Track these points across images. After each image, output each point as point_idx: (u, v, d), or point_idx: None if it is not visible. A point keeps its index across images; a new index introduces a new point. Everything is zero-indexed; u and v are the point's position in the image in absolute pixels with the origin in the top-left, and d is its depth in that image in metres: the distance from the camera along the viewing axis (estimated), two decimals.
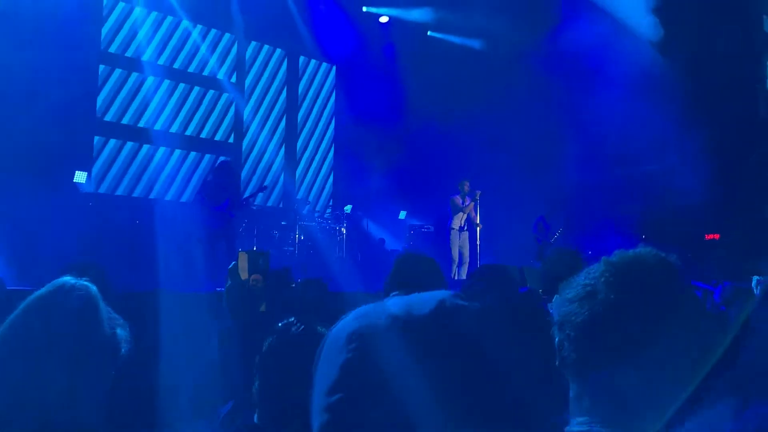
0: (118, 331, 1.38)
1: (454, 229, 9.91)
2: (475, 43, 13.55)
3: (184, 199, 11.05)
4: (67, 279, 1.38)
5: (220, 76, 11.86)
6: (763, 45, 10.55)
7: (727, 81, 10.02)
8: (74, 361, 1.28)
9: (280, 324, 1.50)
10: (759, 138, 10.37)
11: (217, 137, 11.71)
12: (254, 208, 9.88)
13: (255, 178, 11.99)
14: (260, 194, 8.64)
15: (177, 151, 11.16)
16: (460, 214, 9.85)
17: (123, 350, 1.38)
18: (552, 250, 3.22)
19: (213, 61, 11.76)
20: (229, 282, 1.48)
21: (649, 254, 1.11)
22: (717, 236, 10.40)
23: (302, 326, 1.41)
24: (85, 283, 1.38)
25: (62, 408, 1.25)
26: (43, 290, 1.35)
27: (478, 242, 9.78)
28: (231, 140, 11.92)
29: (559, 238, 10.60)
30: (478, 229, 9.86)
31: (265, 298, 1.53)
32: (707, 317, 1.05)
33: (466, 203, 9.84)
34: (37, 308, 1.32)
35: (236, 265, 1.50)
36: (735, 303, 3.89)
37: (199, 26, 11.58)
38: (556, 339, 1.10)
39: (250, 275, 1.49)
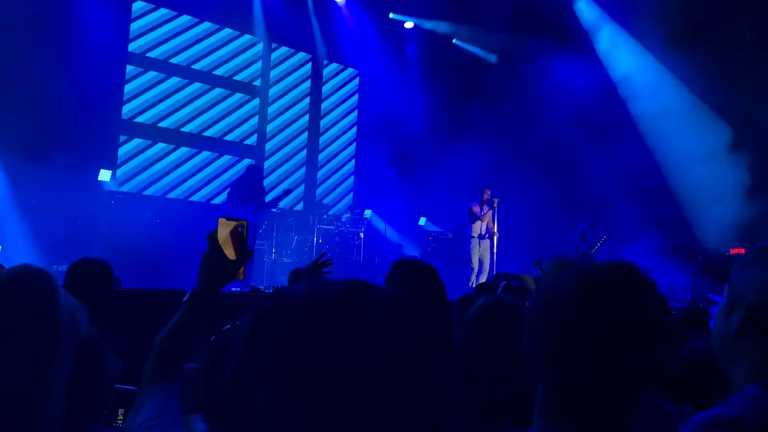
0: (77, 315, 1.35)
1: (473, 237, 9.87)
2: (492, 57, 13.61)
3: (205, 200, 11.18)
4: (24, 266, 1.34)
5: (245, 78, 11.99)
6: None
7: (751, 87, 9.85)
8: (33, 350, 1.25)
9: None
10: None
11: (240, 139, 11.83)
12: (276, 211, 9.95)
13: (276, 181, 12.07)
14: (285, 198, 8.70)
15: (200, 152, 11.30)
16: (479, 222, 9.81)
17: (82, 334, 1.36)
18: (551, 259, 3.11)
19: (237, 63, 11.90)
20: (208, 248, 1.47)
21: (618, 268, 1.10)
22: (743, 250, 10.18)
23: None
24: (42, 269, 1.34)
25: (22, 399, 1.22)
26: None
27: (494, 251, 9.72)
28: (254, 143, 12.03)
29: (602, 247, 10.33)
30: (495, 237, 9.80)
31: (244, 267, 1.50)
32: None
33: (484, 211, 9.80)
34: None
35: (215, 232, 1.47)
36: None
37: (225, 29, 11.72)
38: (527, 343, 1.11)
39: (229, 241, 1.48)
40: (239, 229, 1.50)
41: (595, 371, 0.99)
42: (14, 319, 1.26)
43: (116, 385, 1.63)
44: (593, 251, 10.27)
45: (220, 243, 1.47)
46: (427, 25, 13.45)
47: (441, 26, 13.50)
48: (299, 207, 12.34)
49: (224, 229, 1.48)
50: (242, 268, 1.50)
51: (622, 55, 11.62)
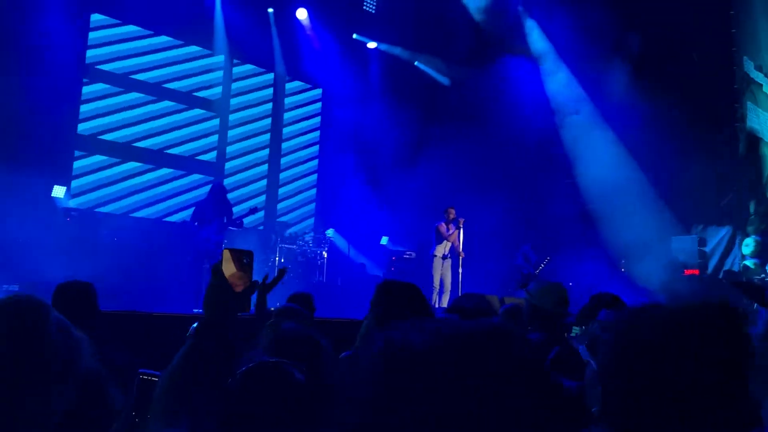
0: (76, 347, 1.29)
1: (437, 256, 9.87)
2: (446, 80, 13.86)
3: (164, 217, 10.91)
4: (16, 296, 1.29)
5: (205, 95, 11.81)
6: (742, 84, 10.80)
7: (707, 119, 10.22)
8: (18, 383, 1.19)
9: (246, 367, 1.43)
10: (738, 175, 10.58)
11: (200, 156, 11.62)
12: (236, 229, 9.77)
13: (237, 199, 11.88)
14: (250, 216, 8.57)
15: (159, 169, 11.05)
16: (445, 242, 9.83)
17: (82, 366, 1.29)
18: (536, 283, 3.18)
19: (198, 80, 11.73)
20: (212, 280, 1.41)
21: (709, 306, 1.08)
22: (696, 272, 10.50)
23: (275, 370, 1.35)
24: (36, 299, 1.29)
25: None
26: None
27: (460, 270, 9.74)
28: (214, 159, 11.83)
29: (545, 269, 10.61)
30: (460, 257, 9.83)
31: (250, 299, 1.46)
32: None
33: (451, 231, 9.83)
34: None
35: (220, 263, 1.42)
36: None
37: (186, 45, 11.56)
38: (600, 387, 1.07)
39: (235, 274, 1.43)
40: (245, 260, 1.46)
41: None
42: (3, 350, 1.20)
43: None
44: (537, 271, 10.56)
45: (225, 274, 1.43)
46: (386, 48, 13.58)
47: (401, 52, 13.68)
48: (260, 226, 12.16)
49: (229, 260, 1.45)
50: (249, 300, 1.47)
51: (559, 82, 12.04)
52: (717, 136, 10.31)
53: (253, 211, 8.44)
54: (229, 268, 1.43)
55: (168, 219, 10.90)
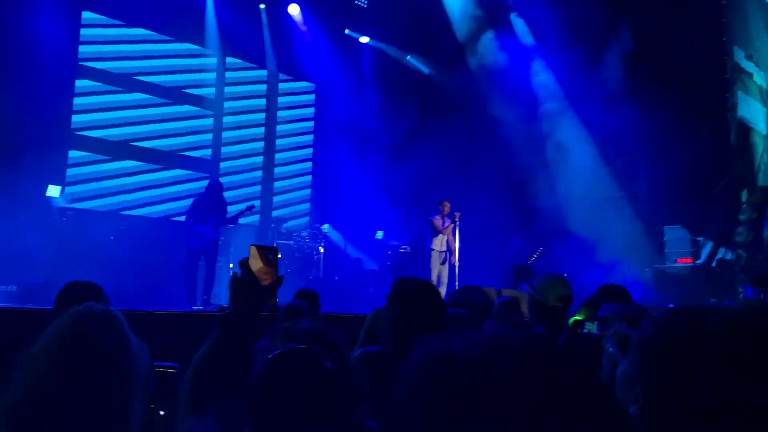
0: (140, 351, 1.36)
1: (434, 250, 9.90)
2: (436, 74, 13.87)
3: (160, 215, 10.90)
4: (93, 306, 1.35)
5: (198, 92, 11.80)
6: (733, 74, 10.86)
7: (698, 109, 10.28)
8: (111, 391, 1.25)
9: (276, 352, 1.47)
10: (730, 164, 10.65)
11: (194, 154, 11.61)
12: (233, 226, 9.80)
13: (232, 196, 11.88)
14: (247, 214, 8.59)
15: (154, 167, 11.03)
16: (441, 235, 9.85)
17: (146, 368, 1.38)
18: (540, 278, 3.20)
19: (191, 77, 11.71)
20: (239, 274, 1.46)
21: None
22: (690, 260, 10.57)
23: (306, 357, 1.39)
24: (108, 309, 1.35)
25: None
26: (68, 319, 1.30)
27: (457, 264, 9.77)
28: (209, 156, 11.83)
29: (537, 260, 10.62)
30: (455, 252, 9.85)
31: (276, 293, 1.53)
32: None
33: (446, 224, 9.86)
34: (65, 339, 1.27)
35: (247, 259, 1.50)
36: None
37: (178, 42, 11.53)
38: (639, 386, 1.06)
39: (262, 269, 1.49)
40: (270, 256, 1.54)
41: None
42: (90, 361, 1.26)
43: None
44: (529, 262, 10.57)
45: (252, 269, 1.50)
46: (378, 42, 13.58)
47: (393, 46, 13.69)
48: (256, 223, 12.17)
49: (256, 255, 1.53)
50: (274, 294, 1.54)
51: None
52: (708, 126, 10.36)
53: (250, 209, 8.45)
54: (255, 263, 1.51)
55: (163, 217, 10.90)
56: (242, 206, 8.63)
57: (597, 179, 11.44)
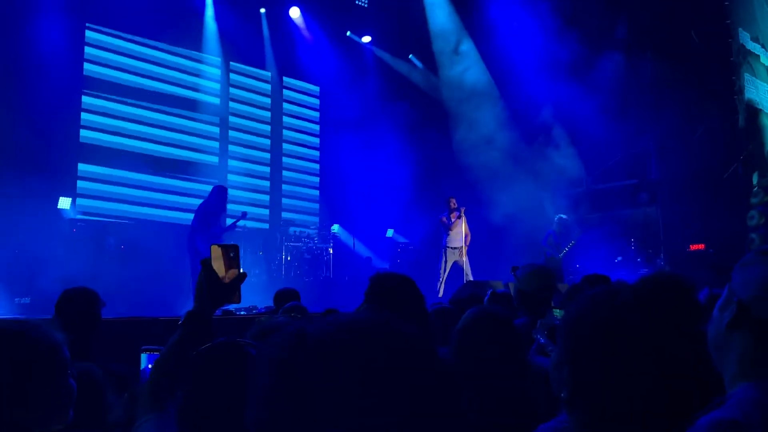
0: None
1: (448, 247, 9.90)
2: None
3: (169, 222, 10.99)
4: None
5: (203, 98, 11.88)
6: (739, 56, 10.74)
7: (704, 92, 10.19)
8: None
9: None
10: (738, 147, 10.53)
11: (202, 160, 11.70)
12: (241, 230, 9.86)
13: (240, 200, 11.95)
14: (242, 220, 8.64)
15: (161, 175, 11.13)
16: (452, 231, 9.87)
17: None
18: (523, 267, 3.20)
19: (195, 84, 11.79)
20: (201, 273, 1.48)
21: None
22: (702, 246, 10.48)
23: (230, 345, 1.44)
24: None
25: None
26: None
27: (465, 259, 9.78)
28: (216, 162, 11.91)
29: (570, 253, 10.43)
30: (465, 246, 9.85)
31: (239, 289, 1.56)
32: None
33: (453, 220, 9.87)
34: None
35: (209, 259, 1.52)
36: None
37: (181, 49, 11.62)
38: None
39: (223, 268, 1.52)
40: (231, 254, 1.56)
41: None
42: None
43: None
44: (560, 255, 10.39)
45: (214, 268, 1.53)
46: (380, 41, 13.58)
47: (395, 45, 13.67)
48: (265, 225, 12.24)
49: (217, 254, 1.55)
50: (238, 292, 1.55)
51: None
52: (715, 110, 10.26)
53: (243, 215, 8.52)
54: (217, 261, 1.54)
55: (172, 223, 10.99)
56: (238, 214, 8.70)
57: (606, 168, 11.36)
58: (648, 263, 10.42)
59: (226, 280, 1.53)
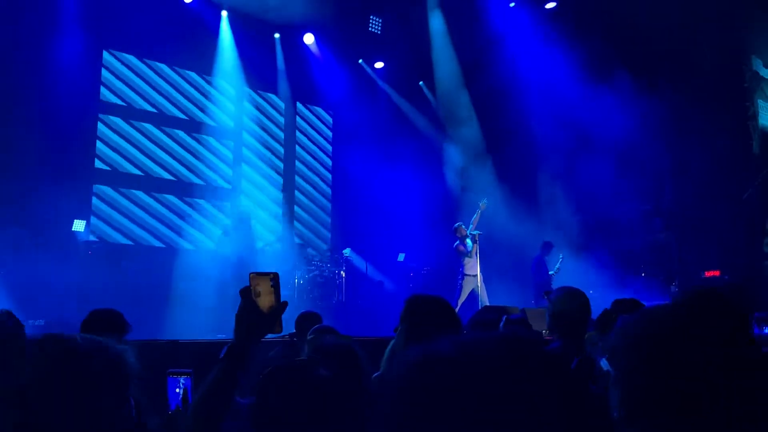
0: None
1: (467, 275, 9.81)
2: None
3: (183, 246, 11.01)
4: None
5: (218, 122, 11.98)
6: (752, 82, 10.76)
7: (719, 119, 10.18)
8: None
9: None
10: (753, 173, 10.49)
11: (216, 183, 11.75)
12: (260, 252, 9.88)
13: (254, 224, 11.96)
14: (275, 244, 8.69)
15: (176, 198, 11.19)
16: (468, 258, 9.80)
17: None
18: (558, 290, 3.18)
19: (210, 108, 11.91)
20: (241, 303, 1.46)
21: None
22: (717, 273, 10.37)
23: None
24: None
25: None
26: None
27: (479, 284, 9.73)
28: (230, 186, 11.96)
29: (561, 272, 10.49)
30: (479, 274, 9.80)
31: (281, 319, 1.51)
32: None
33: (469, 247, 9.81)
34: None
35: (248, 288, 1.47)
36: None
37: (195, 75, 11.76)
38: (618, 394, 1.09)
39: (263, 297, 1.47)
40: (271, 283, 1.50)
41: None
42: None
43: None
44: (552, 273, 10.47)
45: (253, 297, 1.48)
46: (393, 67, 13.68)
47: (407, 70, 13.75)
48: (278, 249, 12.23)
49: (256, 283, 1.49)
50: (279, 321, 1.50)
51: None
52: (729, 136, 10.25)
53: (279, 239, 8.57)
54: (256, 289, 1.48)
55: (189, 247, 11.01)
56: (269, 236, 8.72)
57: (619, 193, 11.31)
58: (662, 289, 10.34)
59: (265, 310, 1.48)
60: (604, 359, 1.74)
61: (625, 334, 1.13)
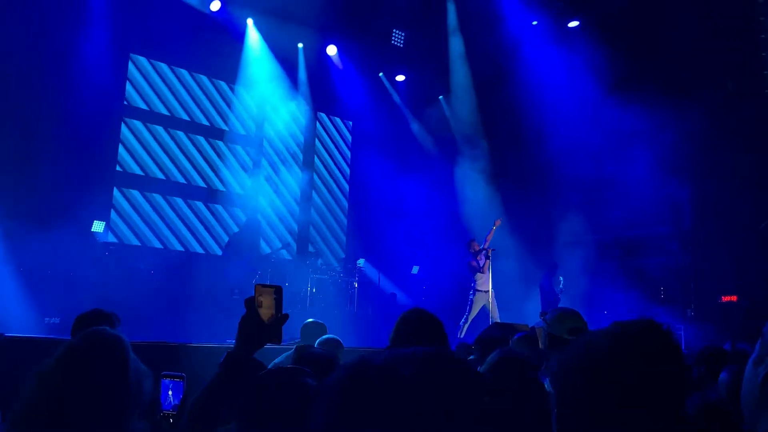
0: (144, 381, 1.43)
1: (480, 291, 9.81)
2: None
3: (200, 250, 11.12)
4: (99, 331, 1.43)
5: (239, 129, 12.12)
6: None
7: (739, 141, 10.09)
8: (101, 410, 1.31)
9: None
10: None
11: (234, 189, 11.86)
12: (273, 259, 9.93)
13: (268, 230, 12.05)
14: (283, 250, 8.73)
15: (194, 202, 11.31)
16: (480, 274, 9.79)
17: (146, 399, 1.43)
18: (553, 311, 3.20)
19: (232, 115, 12.05)
20: (246, 313, 1.50)
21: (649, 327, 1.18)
22: (734, 298, 10.24)
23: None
24: (118, 334, 1.43)
25: None
26: (79, 340, 1.40)
27: (493, 301, 9.72)
28: (247, 192, 12.06)
29: (565, 291, 10.47)
30: (491, 290, 9.78)
31: (281, 330, 1.57)
32: None
33: (482, 263, 9.80)
34: (72, 358, 1.35)
35: (253, 298, 1.53)
36: None
37: (218, 81, 11.92)
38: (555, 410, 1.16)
39: (265, 308, 1.53)
40: (274, 295, 1.57)
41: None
42: (85, 383, 1.35)
43: None
44: (558, 292, 10.43)
45: (256, 307, 1.54)
46: (414, 80, 13.75)
47: (428, 84, 13.81)
48: (292, 256, 12.30)
49: (260, 294, 1.56)
50: (279, 332, 1.56)
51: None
52: (750, 158, 10.13)
53: (285, 246, 8.59)
54: (259, 300, 1.55)
55: (202, 252, 11.11)
56: (280, 244, 8.75)
57: (633, 216, 11.21)
58: (680, 313, 10.24)
59: (267, 321, 1.54)
60: (547, 380, 1.79)
61: (559, 360, 1.22)
